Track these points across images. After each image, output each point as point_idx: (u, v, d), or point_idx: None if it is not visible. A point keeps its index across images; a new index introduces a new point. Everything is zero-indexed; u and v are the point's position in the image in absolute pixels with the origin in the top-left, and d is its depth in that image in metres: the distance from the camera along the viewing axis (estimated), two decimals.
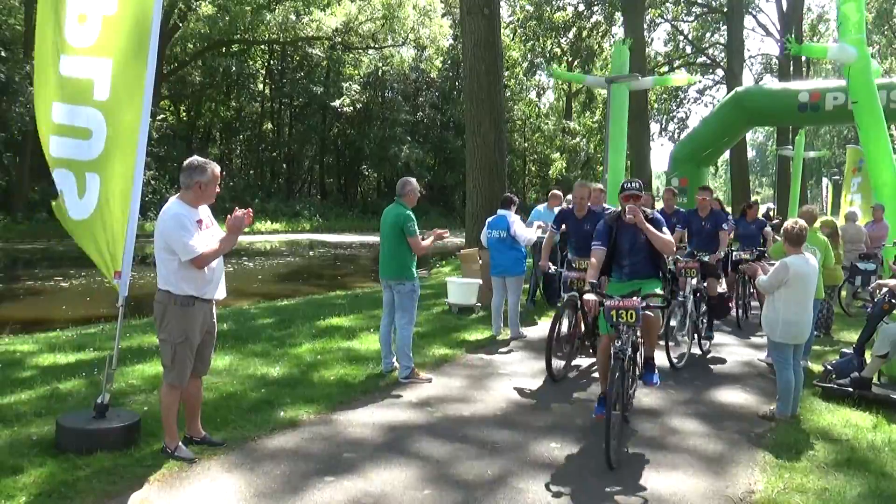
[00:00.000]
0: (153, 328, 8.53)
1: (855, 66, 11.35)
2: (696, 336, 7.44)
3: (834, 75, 43.54)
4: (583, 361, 7.05)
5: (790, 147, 26.48)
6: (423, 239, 6.10)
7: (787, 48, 12.09)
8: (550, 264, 7.71)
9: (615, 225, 5.26)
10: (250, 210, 4.20)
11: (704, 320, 7.69)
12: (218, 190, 4.25)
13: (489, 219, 8.27)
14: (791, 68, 33.89)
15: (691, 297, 7.17)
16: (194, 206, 4.13)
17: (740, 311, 9.18)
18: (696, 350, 7.52)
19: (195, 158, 4.20)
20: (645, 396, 5.98)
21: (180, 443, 4.25)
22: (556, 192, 10.74)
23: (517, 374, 6.58)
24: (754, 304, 9.69)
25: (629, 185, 5.16)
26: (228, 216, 4.10)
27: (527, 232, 8.01)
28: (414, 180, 6.26)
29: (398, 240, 5.99)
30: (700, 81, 43.72)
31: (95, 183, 4.43)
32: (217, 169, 4.20)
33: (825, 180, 29.08)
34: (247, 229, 4.38)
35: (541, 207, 10.63)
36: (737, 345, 8.29)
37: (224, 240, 4.14)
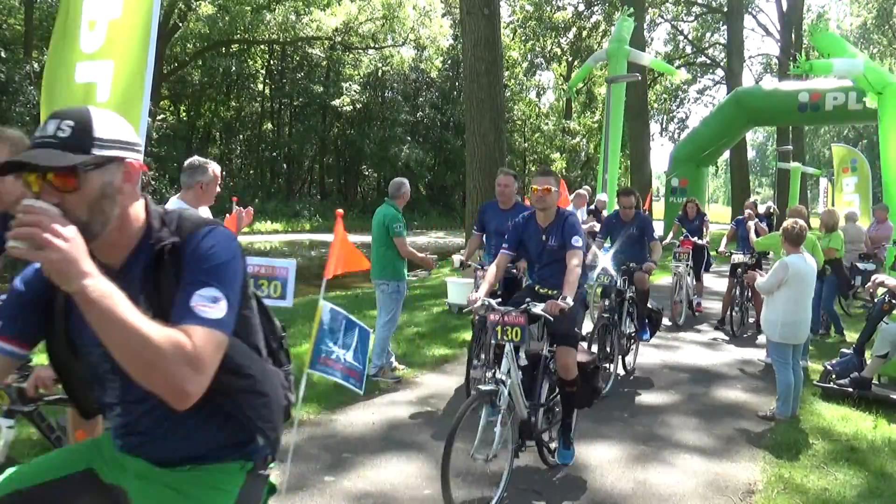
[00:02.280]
0: None
1: (868, 74, 11.17)
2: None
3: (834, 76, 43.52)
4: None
5: (789, 148, 26.49)
6: (415, 252, 6.14)
7: (793, 70, 11.99)
8: None
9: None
10: (250, 209, 4.21)
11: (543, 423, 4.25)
12: (217, 190, 4.26)
13: None
14: (791, 68, 33.89)
15: (508, 377, 3.75)
16: (194, 207, 4.14)
17: (738, 315, 8.97)
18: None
19: (196, 158, 4.22)
20: (645, 395, 5.99)
21: None
22: (581, 191, 10.67)
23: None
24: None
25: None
26: (227, 216, 4.11)
27: None
28: (407, 181, 6.29)
29: (386, 240, 6.04)
30: (700, 81, 43.79)
31: None
32: (217, 169, 4.23)
33: (823, 180, 29.04)
34: (246, 229, 4.39)
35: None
36: (736, 345, 8.29)
37: None
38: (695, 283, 10.00)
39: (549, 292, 4.30)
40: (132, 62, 4.45)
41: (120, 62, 4.46)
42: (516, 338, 3.77)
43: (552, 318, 3.83)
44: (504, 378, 3.71)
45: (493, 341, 3.94)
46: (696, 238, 9.69)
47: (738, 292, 8.87)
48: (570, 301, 3.82)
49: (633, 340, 6.76)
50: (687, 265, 9.48)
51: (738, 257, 8.66)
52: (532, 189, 4.34)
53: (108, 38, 4.48)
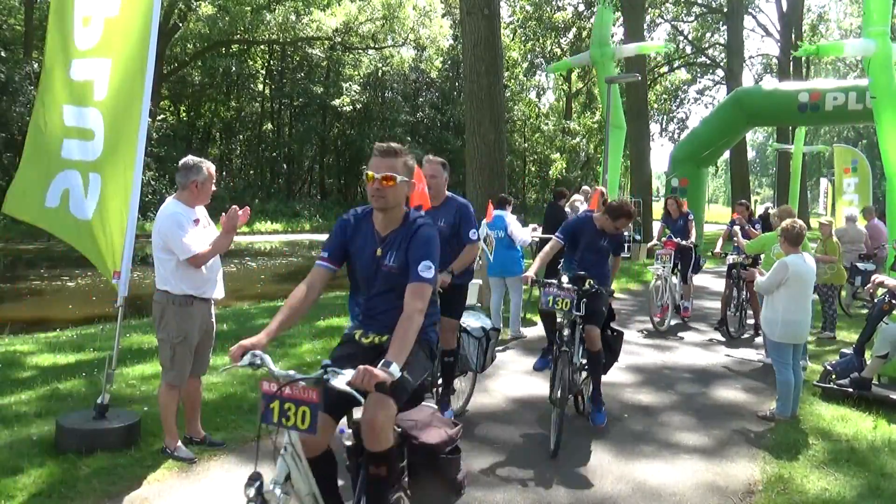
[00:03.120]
0: (153, 328, 8.53)
1: (875, 61, 10.99)
2: None
3: (834, 76, 43.62)
4: None
5: (789, 147, 26.52)
6: None
7: (798, 52, 11.71)
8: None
9: None
10: (247, 208, 4.22)
11: None
12: (214, 189, 4.27)
13: (484, 220, 7.98)
14: (791, 68, 33.90)
15: (286, 490, 2.41)
16: (191, 206, 4.16)
17: (735, 315, 8.72)
18: None
19: (190, 158, 4.22)
20: (642, 395, 5.99)
21: (180, 443, 4.25)
22: (586, 188, 10.25)
23: (516, 372, 6.58)
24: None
25: None
26: (223, 215, 4.12)
27: (523, 233, 8.00)
28: None
29: None
30: (700, 81, 43.80)
31: (97, 183, 4.46)
32: (212, 168, 4.24)
33: (824, 181, 29.05)
34: (246, 229, 4.42)
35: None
36: (734, 345, 8.29)
37: (219, 238, 4.17)
38: (681, 285, 9.53)
39: (378, 341, 2.87)
40: (131, 61, 4.44)
41: (118, 61, 4.44)
42: (303, 425, 2.35)
43: (361, 399, 2.38)
44: (278, 492, 2.33)
45: (268, 423, 2.41)
46: (679, 238, 9.21)
47: (735, 293, 8.70)
48: (395, 371, 2.41)
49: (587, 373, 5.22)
50: (669, 267, 9.02)
51: (734, 258, 8.47)
52: (367, 177, 2.80)
53: (104, 36, 4.46)
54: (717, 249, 9.12)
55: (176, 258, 4.02)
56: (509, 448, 4.62)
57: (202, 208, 4.27)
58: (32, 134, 4.65)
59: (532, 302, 10.35)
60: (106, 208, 4.44)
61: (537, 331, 8.65)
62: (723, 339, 8.62)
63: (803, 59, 36.16)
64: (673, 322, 9.36)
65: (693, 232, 9.41)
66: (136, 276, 4.76)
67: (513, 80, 42.83)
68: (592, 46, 17.84)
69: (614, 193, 14.45)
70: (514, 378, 6.40)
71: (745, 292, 8.80)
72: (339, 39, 37.55)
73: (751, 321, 8.95)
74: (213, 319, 4.41)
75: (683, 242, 9.19)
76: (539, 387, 6.14)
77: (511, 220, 7.95)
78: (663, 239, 9.34)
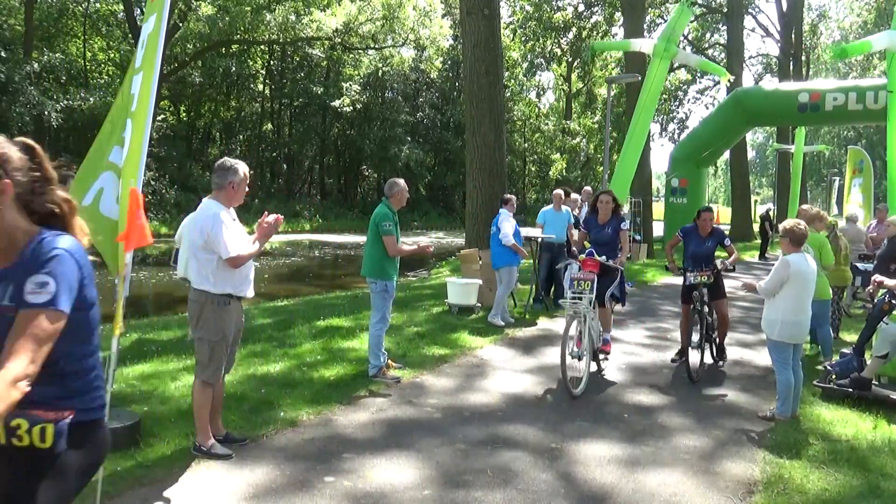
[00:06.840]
0: (153, 328, 8.53)
1: None
2: None
3: (834, 76, 43.63)
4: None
5: (789, 148, 26.51)
6: (405, 244, 6.25)
7: (833, 55, 11.71)
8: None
9: None
10: (280, 217, 4.37)
11: None
12: (247, 190, 4.38)
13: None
14: (791, 68, 33.91)
15: None
16: (227, 206, 4.26)
17: (698, 350, 6.64)
18: None
19: (227, 160, 4.33)
20: (642, 395, 5.99)
21: (213, 440, 4.32)
22: (557, 191, 10.34)
23: (510, 370, 6.59)
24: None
25: None
26: (261, 219, 4.28)
27: (507, 228, 8.70)
28: (402, 182, 6.31)
29: (376, 239, 6.08)
30: (699, 81, 43.82)
31: (119, 186, 4.53)
32: (247, 170, 4.35)
33: (836, 180, 29.04)
34: (247, 229, 4.48)
35: (548, 208, 10.03)
36: (734, 345, 8.28)
37: (257, 242, 4.31)
38: (597, 316, 6.56)
39: None
40: (150, 69, 4.55)
41: (147, 72, 4.56)
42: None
43: None
44: None
45: None
46: (605, 257, 6.52)
47: (697, 318, 6.57)
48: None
49: None
50: (591, 298, 6.19)
51: (695, 276, 6.61)
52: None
53: (146, 52, 4.60)
54: (670, 264, 7.21)
55: (216, 258, 4.10)
56: (508, 446, 4.62)
57: (232, 209, 4.36)
58: (98, 138, 4.73)
59: (539, 300, 10.35)
60: (120, 209, 4.49)
61: (534, 331, 8.66)
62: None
63: (803, 59, 36.22)
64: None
65: (626, 249, 7.03)
66: (142, 276, 4.77)
67: (513, 80, 42.87)
68: (660, 39, 17.05)
69: (621, 190, 14.16)
70: (508, 376, 6.41)
71: (712, 318, 6.83)
72: (339, 39, 37.53)
73: (720, 363, 7.23)
74: (243, 318, 4.51)
75: (610, 263, 6.57)
76: (534, 384, 6.15)
77: (502, 217, 8.82)
78: (582, 256, 6.50)
